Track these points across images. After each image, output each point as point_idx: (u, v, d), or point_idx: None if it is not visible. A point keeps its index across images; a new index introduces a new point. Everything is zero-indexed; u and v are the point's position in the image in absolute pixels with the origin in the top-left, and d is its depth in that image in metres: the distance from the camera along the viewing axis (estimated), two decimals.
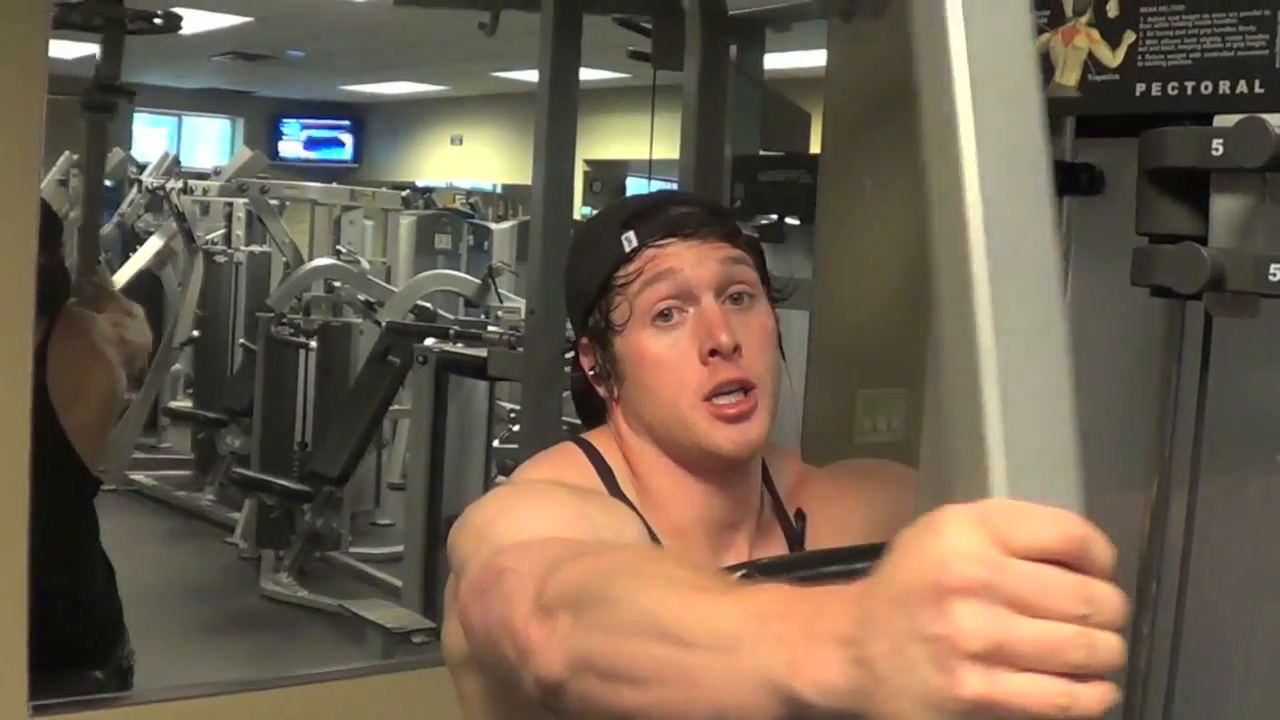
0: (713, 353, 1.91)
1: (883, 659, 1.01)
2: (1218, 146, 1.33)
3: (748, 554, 1.99)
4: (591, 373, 2.05)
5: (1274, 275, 1.33)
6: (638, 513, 1.96)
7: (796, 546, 2.07)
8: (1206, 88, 1.41)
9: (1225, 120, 1.37)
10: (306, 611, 8.31)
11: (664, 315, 1.94)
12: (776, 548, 2.06)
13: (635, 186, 10.74)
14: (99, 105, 5.17)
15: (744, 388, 1.92)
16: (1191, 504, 1.68)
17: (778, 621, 1.13)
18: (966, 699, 0.95)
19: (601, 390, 2.04)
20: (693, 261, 1.94)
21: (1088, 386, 1.32)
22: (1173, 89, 1.49)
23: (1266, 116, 1.32)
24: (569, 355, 2.13)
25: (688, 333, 1.93)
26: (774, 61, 5.76)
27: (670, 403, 1.94)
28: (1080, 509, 1.00)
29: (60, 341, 3.95)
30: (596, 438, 2.08)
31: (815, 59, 3.81)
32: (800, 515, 2.10)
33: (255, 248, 11.71)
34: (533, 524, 1.75)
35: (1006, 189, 1.03)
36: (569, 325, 2.13)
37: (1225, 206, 1.38)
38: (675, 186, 4.62)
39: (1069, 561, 0.97)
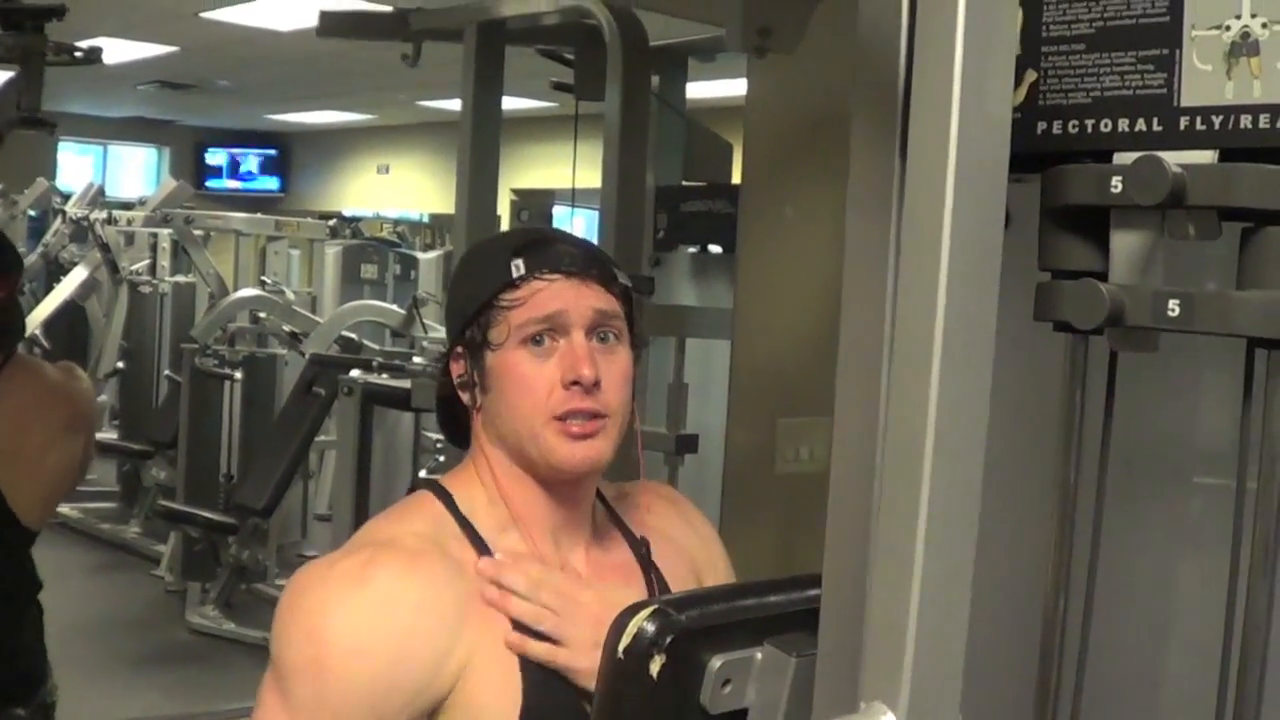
0: (574, 383, 2.06)
1: None
2: (1116, 184, 1.35)
3: (584, 553, 2.19)
4: (458, 380, 2.17)
5: (1172, 310, 1.35)
6: (482, 542, 2.10)
7: (648, 566, 2.25)
8: (1106, 125, 1.44)
9: (1125, 158, 1.39)
10: (232, 644, 8.27)
11: (537, 340, 2.08)
12: (618, 553, 2.25)
13: (562, 215, 10.76)
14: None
15: (595, 415, 2.08)
16: (1096, 533, 1.70)
17: None
18: None
19: (465, 397, 2.17)
20: (571, 298, 2.08)
21: (995, 419, 1.35)
22: (1073, 127, 1.51)
23: (1164, 154, 1.35)
24: (439, 364, 2.28)
25: (555, 360, 2.08)
26: (697, 91, 5.80)
27: (526, 418, 2.08)
28: None
29: (1, 395, 3.88)
30: (452, 480, 2.21)
31: (738, 88, 3.83)
32: (644, 541, 2.27)
33: (180, 278, 11.63)
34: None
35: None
36: None
37: (1124, 243, 1.40)
38: (598, 215, 4.63)
39: None
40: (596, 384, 2.06)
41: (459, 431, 2.26)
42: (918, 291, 1.26)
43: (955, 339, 1.25)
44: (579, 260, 2.12)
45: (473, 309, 2.11)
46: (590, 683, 1.89)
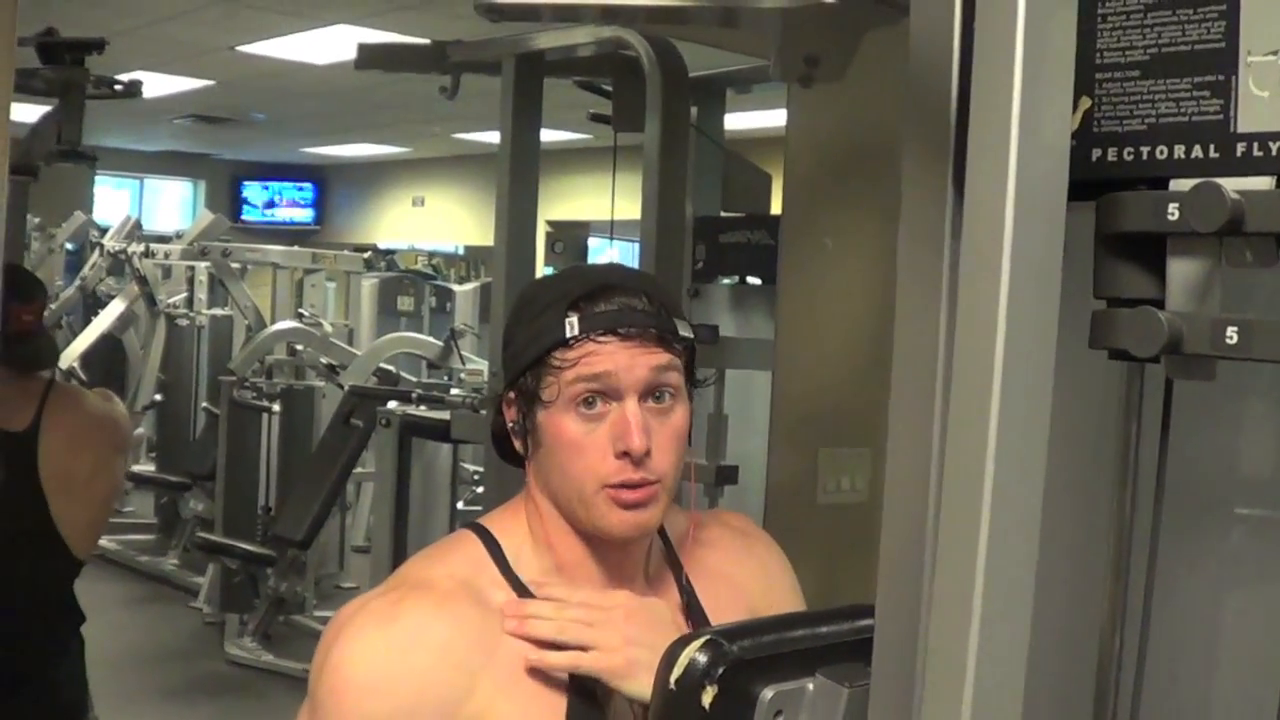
0: (624, 453, 2.00)
1: None
2: (1173, 211, 1.34)
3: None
4: (511, 425, 2.13)
5: (1230, 339, 1.34)
6: (524, 589, 2.07)
7: (695, 606, 2.19)
8: (1162, 152, 1.42)
9: (1181, 184, 1.38)
10: (271, 675, 8.28)
11: (588, 403, 2.02)
12: (667, 595, 2.17)
13: (597, 247, 10.79)
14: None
15: (645, 483, 2.03)
16: (1152, 564, 1.68)
17: None
18: None
19: (518, 444, 2.12)
20: (625, 364, 2.02)
21: (1049, 449, 1.34)
22: (1129, 154, 1.50)
23: (1221, 180, 1.33)
24: (498, 398, 2.21)
25: (607, 426, 2.02)
26: (735, 122, 5.80)
27: (577, 483, 2.03)
28: None
29: (52, 423, 3.93)
30: (496, 520, 2.17)
31: (776, 119, 3.82)
32: (688, 582, 2.22)
33: (217, 311, 11.69)
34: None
35: None
36: None
37: (1182, 270, 1.39)
38: (638, 247, 4.62)
39: None
40: (648, 453, 2.02)
41: (514, 455, 2.18)
42: (977, 321, 1.25)
43: (1015, 369, 1.23)
44: (637, 318, 2.05)
45: (526, 361, 2.06)
46: (626, 684, 1.92)
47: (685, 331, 2.11)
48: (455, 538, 2.19)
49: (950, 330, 1.38)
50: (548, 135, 5.20)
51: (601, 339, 2.02)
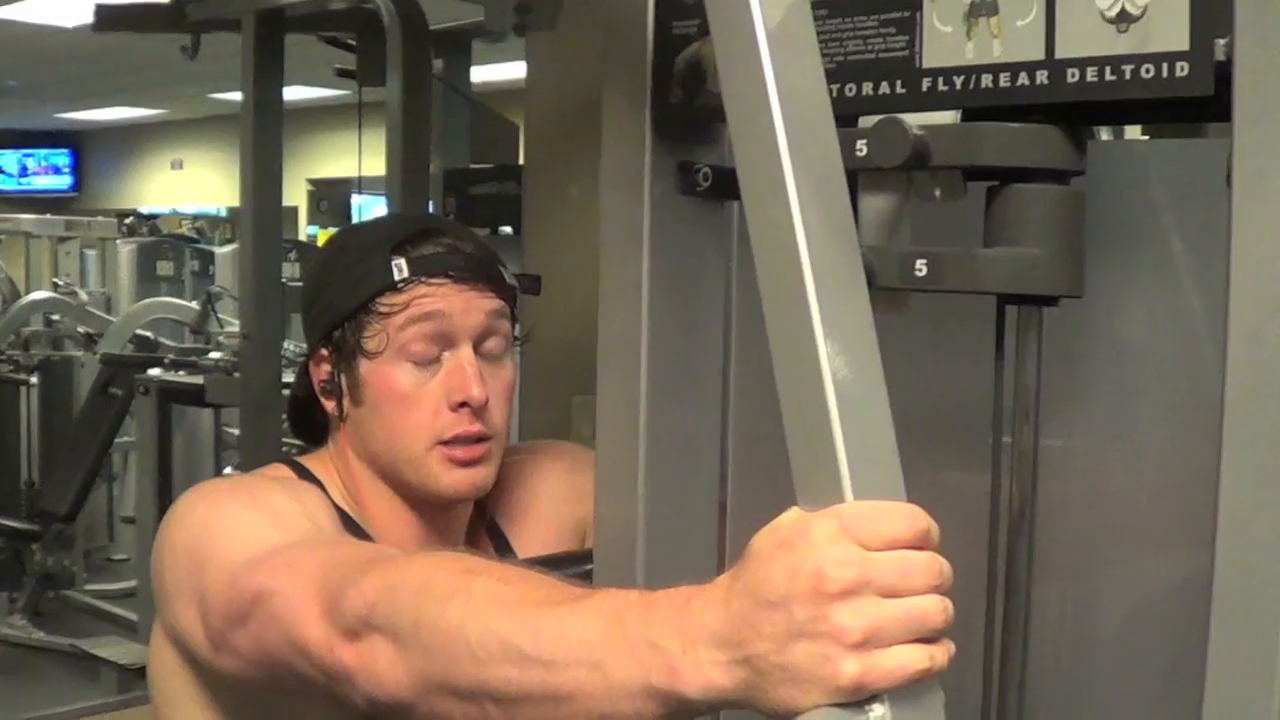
0: (462, 404, 1.93)
1: (765, 657, 1.10)
2: (861, 147, 1.35)
3: None
4: (320, 385, 2.03)
5: (920, 270, 1.36)
6: (353, 522, 1.98)
7: (509, 554, 2.11)
8: (851, 90, 1.44)
9: (869, 122, 1.40)
10: (42, 652, 8.12)
11: (420, 352, 1.94)
12: (483, 549, 2.10)
13: (358, 204, 10.68)
14: None
15: (480, 439, 1.96)
16: None
17: (639, 626, 1.18)
18: (847, 683, 1.07)
19: (329, 405, 2.03)
20: (461, 308, 1.95)
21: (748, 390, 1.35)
22: None
23: (906, 116, 1.35)
24: (301, 360, 2.12)
25: (441, 377, 1.95)
26: (488, 74, 5.78)
27: (405, 441, 1.95)
28: (903, 498, 1.15)
29: None
30: (310, 461, 2.09)
31: (523, 70, 3.82)
32: (498, 530, 2.16)
33: None
34: (253, 534, 1.75)
35: (824, 233, 1.16)
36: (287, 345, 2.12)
37: (872, 205, 1.40)
38: (385, 201, 4.60)
39: (916, 545, 1.11)
40: (485, 405, 1.94)
41: (314, 431, 2.12)
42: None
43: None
44: (469, 262, 1.98)
45: (345, 309, 1.96)
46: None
47: (510, 280, 2.04)
48: (268, 468, 2.09)
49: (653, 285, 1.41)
50: (305, 93, 5.16)
51: (433, 281, 1.94)
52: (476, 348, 1.97)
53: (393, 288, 1.94)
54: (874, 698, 1.09)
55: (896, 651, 1.08)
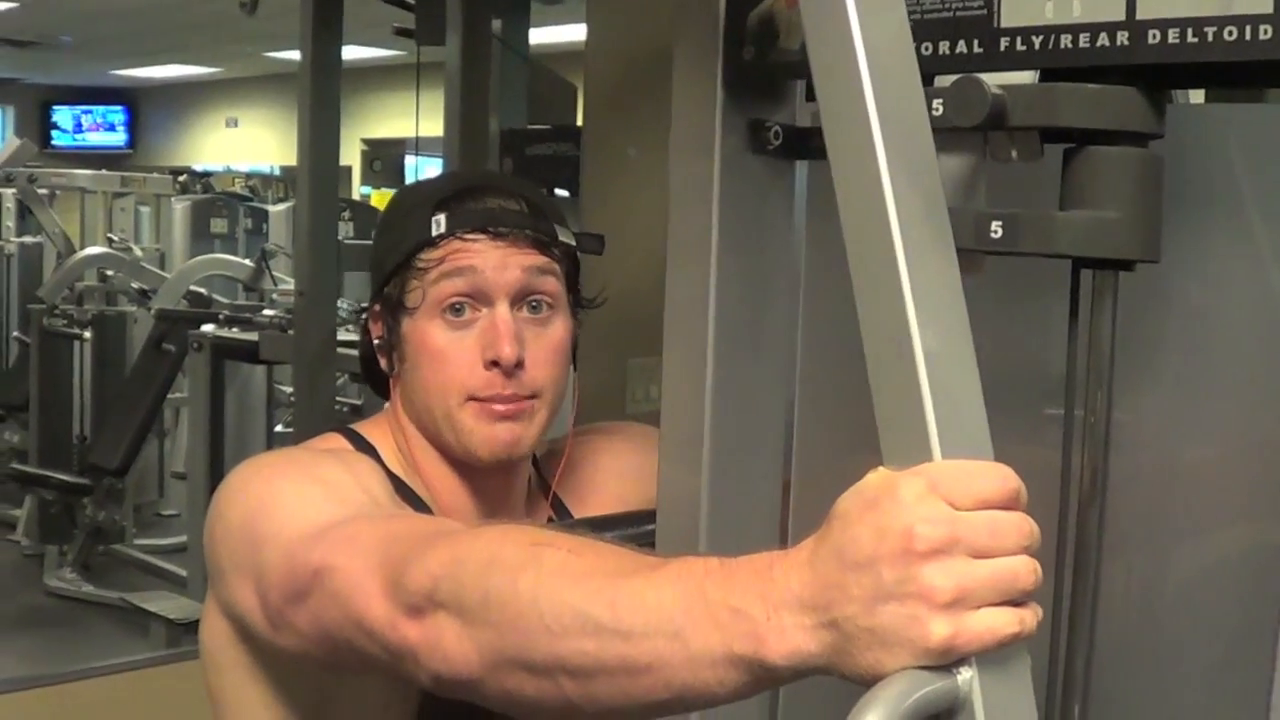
0: (494, 363, 1.89)
1: (852, 620, 1.07)
2: (938, 107, 1.33)
3: None
4: (376, 341, 2.02)
5: (995, 232, 1.34)
6: (407, 488, 1.95)
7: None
8: (927, 49, 1.41)
9: (946, 81, 1.37)
10: (92, 606, 8.16)
11: (455, 309, 1.91)
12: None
13: (413, 165, 10.64)
14: None
15: (519, 398, 1.91)
16: None
17: (720, 592, 1.15)
18: (937, 645, 1.04)
19: (383, 362, 2.02)
20: (496, 263, 1.90)
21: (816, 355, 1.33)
22: None
23: (983, 75, 1.33)
24: (363, 317, 2.09)
25: (475, 334, 1.90)
26: (545, 36, 5.76)
27: (440, 396, 1.92)
28: (991, 458, 1.12)
29: None
30: (365, 427, 2.06)
31: (582, 32, 3.80)
32: (561, 505, 2.12)
33: (27, 239, 11.43)
34: (309, 509, 1.71)
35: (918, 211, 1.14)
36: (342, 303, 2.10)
37: (947, 166, 1.38)
38: (441, 162, 4.59)
39: (1006, 505, 1.08)
40: (520, 364, 1.89)
41: (381, 385, 2.08)
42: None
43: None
44: (510, 217, 1.93)
45: (390, 267, 1.94)
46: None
47: (566, 238, 1.99)
48: (323, 438, 2.04)
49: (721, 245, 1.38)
50: (360, 52, 5.16)
51: (469, 237, 1.91)
52: (516, 306, 1.92)
53: (430, 243, 1.92)
54: (962, 661, 1.06)
55: (987, 614, 1.05)
